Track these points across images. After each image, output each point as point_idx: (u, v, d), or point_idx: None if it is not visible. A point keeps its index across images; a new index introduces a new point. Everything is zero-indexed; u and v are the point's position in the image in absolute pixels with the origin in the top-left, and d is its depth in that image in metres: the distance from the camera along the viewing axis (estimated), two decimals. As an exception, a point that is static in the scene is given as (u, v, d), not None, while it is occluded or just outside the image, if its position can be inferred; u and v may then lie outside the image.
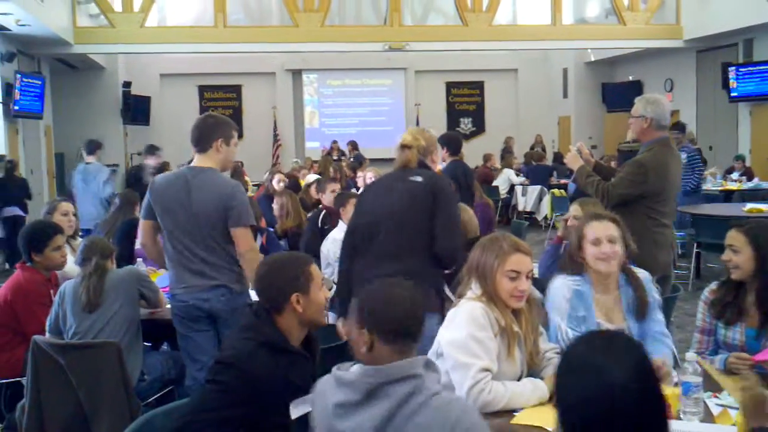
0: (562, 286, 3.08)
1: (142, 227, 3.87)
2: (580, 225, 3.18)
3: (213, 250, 3.63)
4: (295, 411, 2.35)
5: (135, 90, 16.01)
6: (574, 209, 4.24)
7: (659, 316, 3.09)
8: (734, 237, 3.00)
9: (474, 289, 2.76)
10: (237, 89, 18.09)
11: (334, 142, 16.05)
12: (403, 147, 3.76)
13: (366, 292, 2.09)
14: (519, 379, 2.68)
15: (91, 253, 3.80)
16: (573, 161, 4.50)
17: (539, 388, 2.58)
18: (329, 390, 2.02)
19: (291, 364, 2.37)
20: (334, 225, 5.53)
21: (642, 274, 3.14)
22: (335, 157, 14.46)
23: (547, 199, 12.17)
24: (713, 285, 3.14)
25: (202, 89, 17.95)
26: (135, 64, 16.45)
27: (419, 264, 3.44)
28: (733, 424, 2.35)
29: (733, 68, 13.44)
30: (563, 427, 1.51)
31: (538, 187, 12.58)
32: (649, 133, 4.32)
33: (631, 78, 16.61)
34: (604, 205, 4.22)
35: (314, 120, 18.61)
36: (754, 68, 13.20)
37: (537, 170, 13.31)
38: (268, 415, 2.30)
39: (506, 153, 14.68)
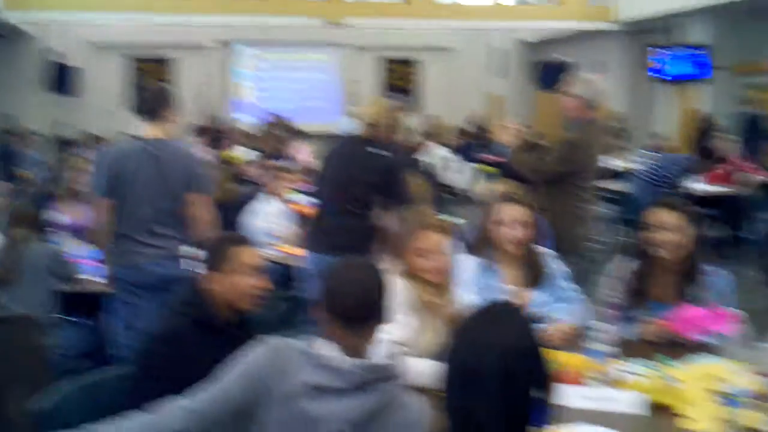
0: (468, 260, 3.16)
1: (101, 206, 3.72)
2: (493, 205, 3.24)
3: (168, 221, 3.66)
4: None
5: (63, 60, 15.53)
6: (490, 187, 4.46)
7: (564, 284, 3.20)
8: (668, 216, 3.08)
9: (387, 263, 2.80)
10: (169, 62, 17.71)
11: (273, 115, 15.74)
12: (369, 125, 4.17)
13: (329, 272, 2.05)
14: None
15: (15, 224, 3.73)
16: (503, 135, 4.61)
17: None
18: (299, 367, 1.90)
19: (221, 344, 2.36)
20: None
21: (542, 249, 3.25)
22: (275, 132, 14.28)
23: (478, 175, 12.31)
24: (624, 261, 3.24)
25: (134, 61, 17.51)
26: (65, 34, 15.95)
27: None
28: (638, 390, 2.46)
29: (660, 50, 13.84)
30: (448, 391, 1.54)
31: (470, 163, 12.72)
32: (580, 113, 4.44)
33: (562, 58, 16.86)
34: (532, 179, 4.36)
35: (248, 94, 18.37)
36: (681, 51, 13.61)
37: (468, 147, 13.46)
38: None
39: (437, 131, 14.76)
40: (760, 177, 8.54)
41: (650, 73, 13.92)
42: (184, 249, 3.64)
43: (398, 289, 2.68)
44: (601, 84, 4.82)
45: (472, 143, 13.90)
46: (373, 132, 4.26)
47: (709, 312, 2.95)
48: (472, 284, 3.10)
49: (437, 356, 2.56)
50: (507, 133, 4.61)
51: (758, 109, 11.98)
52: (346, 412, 1.84)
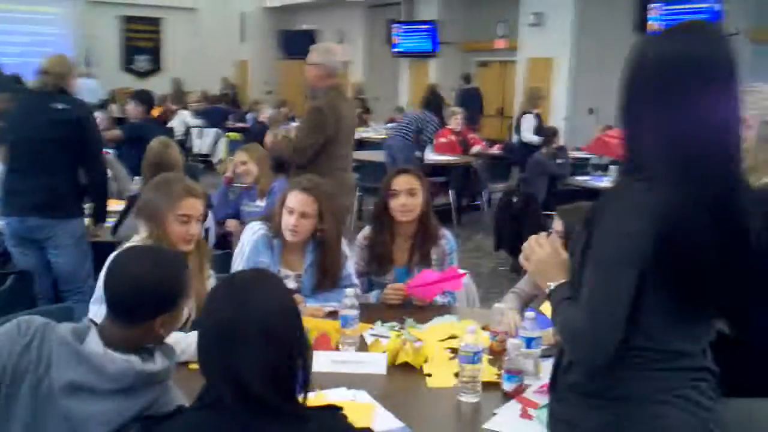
0: (251, 231, 3.18)
1: None
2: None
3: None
4: None
5: None
6: (239, 155, 4.60)
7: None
8: (408, 181, 3.25)
9: (141, 231, 2.72)
10: None
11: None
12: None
13: (112, 259, 1.91)
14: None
15: None
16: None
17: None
18: (59, 358, 1.69)
19: None
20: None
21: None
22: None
23: (222, 142, 12.17)
24: (366, 230, 3.41)
25: None
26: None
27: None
28: (383, 352, 2.62)
29: (397, 25, 14.54)
30: (206, 352, 1.53)
31: (214, 129, 12.52)
32: (323, 81, 4.57)
33: (305, 27, 17.07)
34: (298, 162, 4.41)
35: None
36: (415, 27, 14.39)
37: (213, 113, 13.23)
38: None
39: (181, 95, 14.33)
40: (478, 147, 9.32)
41: (392, 48, 14.59)
42: None
43: None
44: (343, 53, 4.96)
45: (218, 108, 13.66)
46: (57, 84, 4.28)
47: (441, 273, 3.20)
48: (245, 254, 3.13)
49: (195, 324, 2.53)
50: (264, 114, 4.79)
51: (477, 84, 12.99)
52: (106, 414, 1.67)
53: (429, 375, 2.53)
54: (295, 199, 3.06)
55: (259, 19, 18.23)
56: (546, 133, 7.68)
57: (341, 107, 4.57)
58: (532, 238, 1.90)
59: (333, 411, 1.59)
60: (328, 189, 3.24)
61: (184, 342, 2.37)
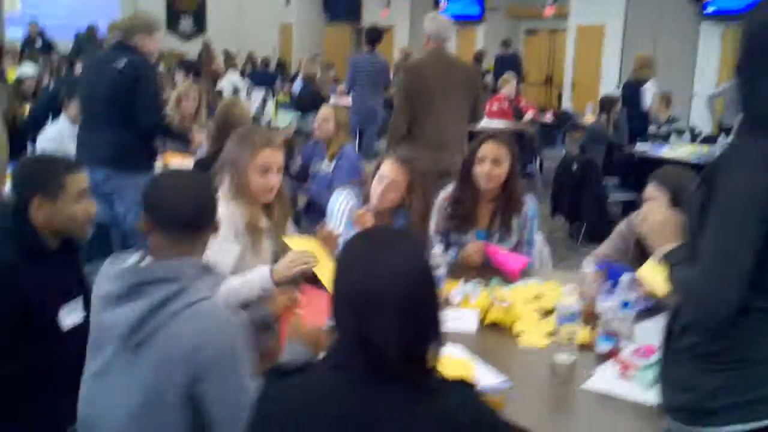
0: (341, 196, 3.23)
1: None
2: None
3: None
4: (68, 319, 2.24)
5: None
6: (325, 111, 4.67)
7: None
8: (494, 149, 3.22)
9: (224, 184, 2.69)
10: None
11: (33, 25, 14.11)
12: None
13: (151, 180, 2.00)
14: None
15: None
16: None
17: (259, 272, 2.55)
18: (102, 280, 1.92)
19: (49, 271, 2.25)
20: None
21: None
22: (38, 46, 13.05)
23: (271, 104, 12.18)
24: (449, 190, 3.40)
25: None
26: None
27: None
28: (473, 309, 2.63)
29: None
30: (336, 315, 1.49)
31: (263, 91, 12.53)
32: (428, 46, 4.86)
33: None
34: (397, 134, 4.59)
35: (15, 4, 16.65)
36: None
37: (262, 76, 13.23)
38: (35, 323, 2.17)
39: (229, 56, 14.35)
40: (530, 114, 9.20)
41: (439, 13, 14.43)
42: None
43: (223, 213, 2.61)
44: (446, 21, 5.11)
45: (266, 71, 13.68)
46: (123, 41, 4.44)
47: (508, 257, 3.18)
48: (339, 219, 3.17)
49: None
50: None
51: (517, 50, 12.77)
52: (123, 317, 1.80)
53: (520, 334, 2.53)
54: (388, 168, 3.10)
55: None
56: (604, 102, 7.55)
57: (424, 64, 4.82)
58: (649, 202, 1.93)
59: (467, 387, 1.50)
60: (424, 166, 3.28)
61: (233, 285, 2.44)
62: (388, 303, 1.40)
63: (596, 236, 5.05)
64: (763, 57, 1.68)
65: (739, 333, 1.66)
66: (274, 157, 2.70)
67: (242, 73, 13.49)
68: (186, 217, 1.91)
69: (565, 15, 12.68)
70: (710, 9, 10.79)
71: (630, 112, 7.77)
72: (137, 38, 4.40)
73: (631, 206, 5.78)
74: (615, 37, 11.78)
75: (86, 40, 13.80)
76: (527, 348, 2.46)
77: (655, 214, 1.87)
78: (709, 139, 7.64)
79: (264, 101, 12.45)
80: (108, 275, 1.91)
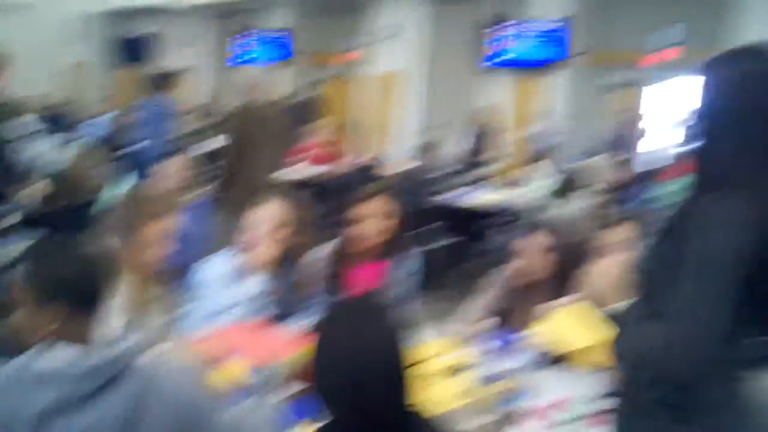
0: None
1: None
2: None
3: None
4: None
5: None
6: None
7: None
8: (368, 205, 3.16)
9: None
10: None
11: None
12: None
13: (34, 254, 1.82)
14: None
15: None
16: None
17: None
18: (21, 396, 1.59)
19: None
20: None
21: None
22: None
23: (66, 149, 11.39)
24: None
25: None
26: None
27: None
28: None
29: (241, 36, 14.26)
30: (327, 394, 1.51)
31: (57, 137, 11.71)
32: None
33: (144, 32, 16.34)
34: None
35: None
36: (265, 36, 14.17)
37: (57, 120, 12.39)
38: None
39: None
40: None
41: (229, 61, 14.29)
42: None
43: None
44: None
45: (57, 115, 12.77)
46: None
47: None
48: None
49: None
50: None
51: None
52: (112, 409, 1.58)
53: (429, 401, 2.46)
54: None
55: (96, 22, 17.18)
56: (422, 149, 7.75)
57: None
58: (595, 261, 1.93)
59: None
60: None
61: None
62: (378, 366, 1.48)
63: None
64: (725, 118, 1.70)
65: (708, 381, 1.68)
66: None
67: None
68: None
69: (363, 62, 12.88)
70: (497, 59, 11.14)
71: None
72: None
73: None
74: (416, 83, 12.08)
75: None
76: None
77: (601, 271, 1.86)
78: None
79: (55, 147, 11.61)
80: (28, 385, 1.59)
